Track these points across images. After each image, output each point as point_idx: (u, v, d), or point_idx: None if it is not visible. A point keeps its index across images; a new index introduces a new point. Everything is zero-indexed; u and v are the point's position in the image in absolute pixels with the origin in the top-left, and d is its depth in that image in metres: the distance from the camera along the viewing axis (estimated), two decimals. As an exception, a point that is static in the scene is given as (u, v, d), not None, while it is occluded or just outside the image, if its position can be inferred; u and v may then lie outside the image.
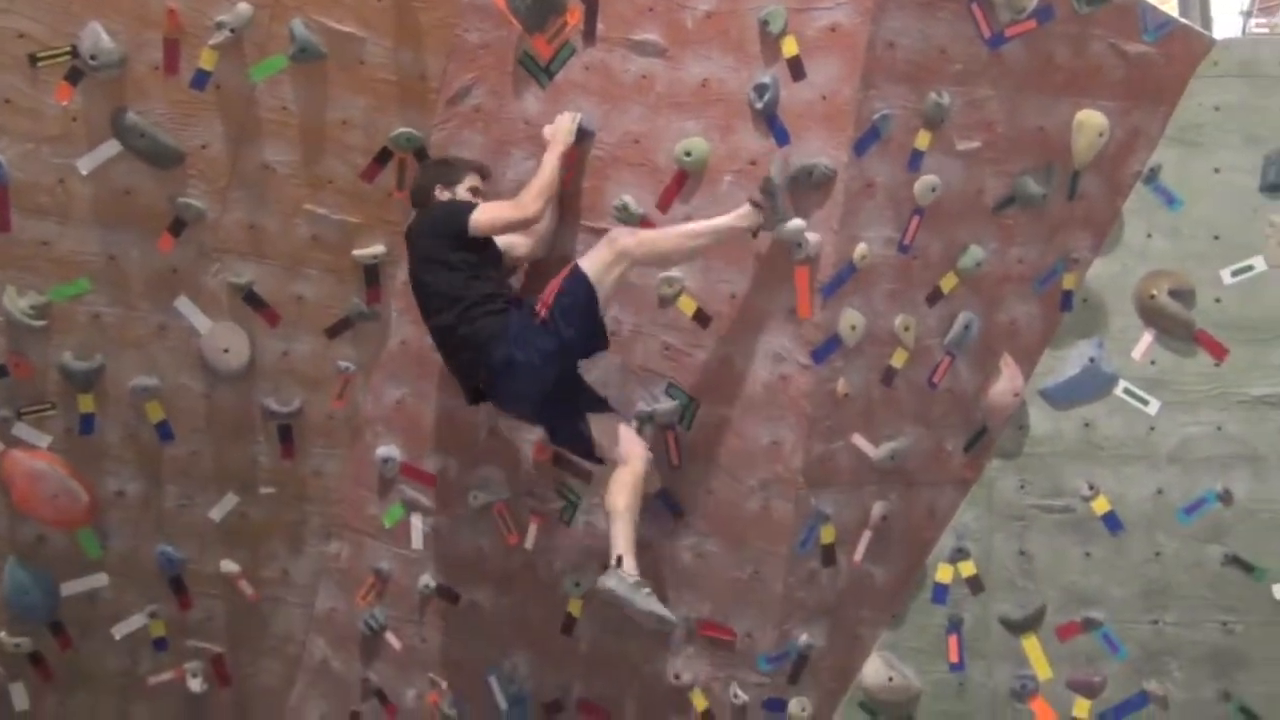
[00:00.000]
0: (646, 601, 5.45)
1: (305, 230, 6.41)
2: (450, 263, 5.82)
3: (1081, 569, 6.43)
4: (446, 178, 6.06)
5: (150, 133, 6.10)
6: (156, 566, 6.66)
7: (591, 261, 5.64)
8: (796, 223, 5.64)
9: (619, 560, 5.51)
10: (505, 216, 5.86)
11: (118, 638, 6.70)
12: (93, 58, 5.90)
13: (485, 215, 5.84)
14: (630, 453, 5.77)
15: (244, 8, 6.00)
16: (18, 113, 5.97)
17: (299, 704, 7.16)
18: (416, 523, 6.81)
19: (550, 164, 5.91)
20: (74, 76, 5.97)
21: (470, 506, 6.60)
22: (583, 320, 5.65)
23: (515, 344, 5.62)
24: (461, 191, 6.00)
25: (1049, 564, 6.45)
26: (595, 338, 5.77)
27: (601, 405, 5.95)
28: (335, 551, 6.97)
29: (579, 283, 5.61)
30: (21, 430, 6.34)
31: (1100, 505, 6.41)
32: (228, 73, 6.14)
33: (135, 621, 6.71)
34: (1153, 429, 6.42)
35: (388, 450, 6.77)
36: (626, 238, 5.66)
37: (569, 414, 5.88)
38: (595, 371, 6.24)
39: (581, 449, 5.94)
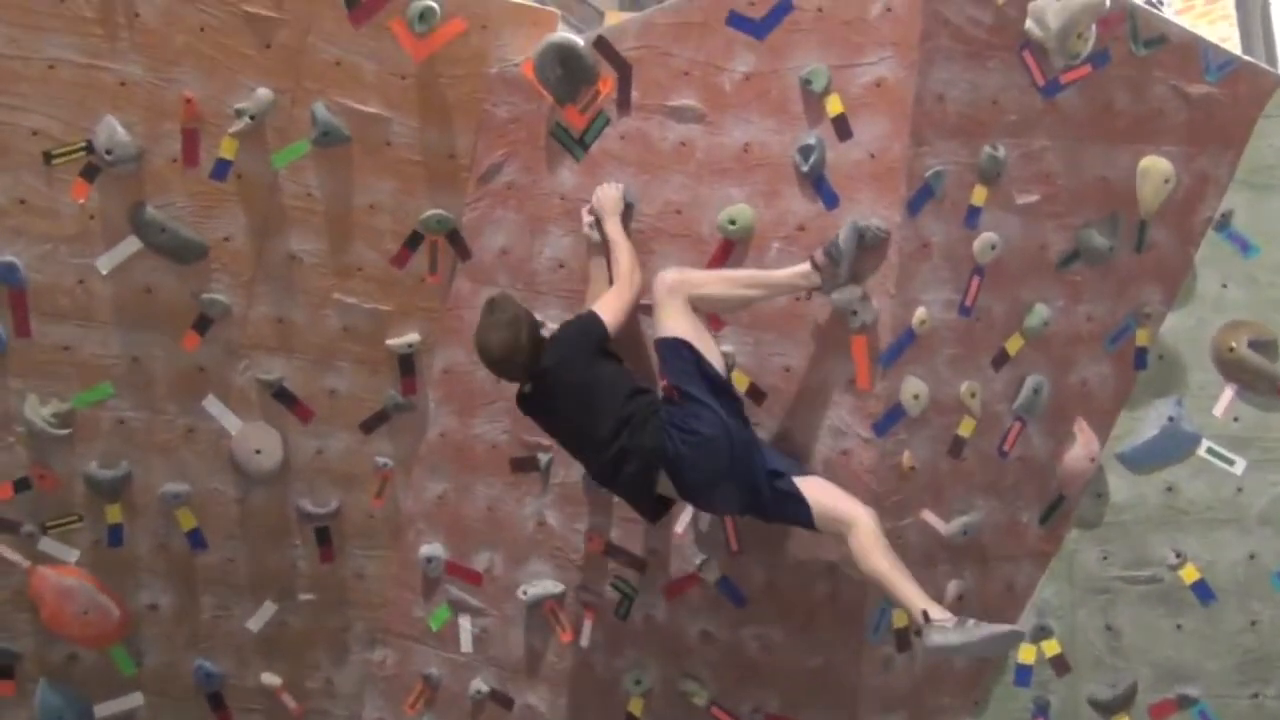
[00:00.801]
0: (982, 631, 5.16)
1: (335, 321, 6.35)
2: (604, 381, 5.69)
3: (1173, 643, 6.25)
4: (533, 320, 5.88)
5: (171, 227, 6.05)
6: (194, 682, 6.55)
7: (665, 322, 5.52)
8: (851, 289, 5.50)
9: (925, 615, 5.21)
10: (626, 301, 5.80)
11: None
12: (109, 152, 5.86)
13: (611, 313, 5.74)
14: (853, 511, 5.47)
15: (264, 93, 5.99)
16: (34, 213, 5.94)
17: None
18: (465, 624, 6.71)
19: (618, 235, 5.88)
20: (90, 173, 5.94)
21: (520, 604, 6.48)
22: (703, 377, 5.48)
23: (675, 436, 5.43)
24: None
25: (1138, 639, 6.28)
26: (727, 391, 5.60)
27: (798, 465, 5.71)
28: (380, 658, 6.86)
29: (670, 348, 5.51)
30: (48, 545, 6.25)
31: (1189, 574, 6.23)
32: (249, 161, 6.10)
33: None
34: (1240, 490, 6.25)
35: (431, 549, 6.68)
36: (672, 274, 5.55)
37: (765, 481, 5.55)
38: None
39: (796, 514, 5.57)
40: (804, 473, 5.59)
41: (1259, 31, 11.09)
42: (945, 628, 5.11)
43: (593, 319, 5.69)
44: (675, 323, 5.46)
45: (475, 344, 5.79)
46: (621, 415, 5.57)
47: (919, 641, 5.25)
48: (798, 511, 5.45)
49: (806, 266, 5.48)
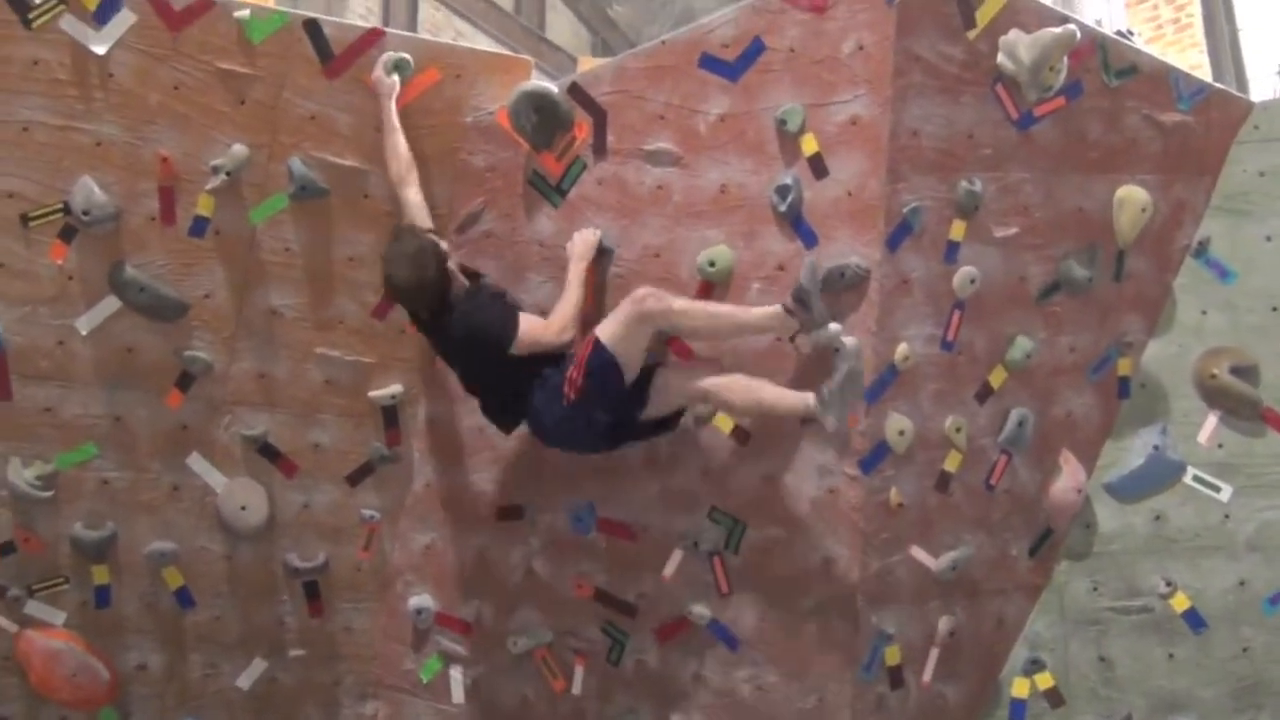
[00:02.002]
0: (838, 376, 5.33)
1: (318, 374, 6.36)
2: (498, 372, 5.83)
3: (1166, 672, 6.22)
4: (440, 252, 5.87)
5: (150, 286, 6.07)
6: None
7: (612, 327, 5.51)
8: (833, 327, 5.49)
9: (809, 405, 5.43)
10: (544, 341, 5.79)
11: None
12: (85, 213, 5.90)
13: (527, 338, 5.77)
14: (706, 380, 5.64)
15: (239, 149, 6.03)
16: (12, 276, 5.96)
17: None
18: (456, 675, 6.67)
19: (577, 281, 5.90)
20: (68, 234, 5.98)
21: (510, 653, 6.46)
22: (616, 401, 5.57)
23: (550, 420, 5.71)
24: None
25: (1131, 669, 6.25)
26: (637, 409, 5.65)
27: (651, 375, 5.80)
28: (372, 712, 6.82)
29: (602, 362, 5.52)
30: (35, 608, 6.24)
31: (1180, 602, 6.21)
32: (227, 217, 6.13)
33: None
34: (1227, 517, 6.23)
35: (420, 600, 6.66)
36: (652, 302, 5.51)
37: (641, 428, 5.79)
38: (633, 500, 6.17)
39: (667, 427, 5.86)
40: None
41: (1229, 58, 11.16)
42: (823, 403, 5.33)
43: (508, 330, 5.73)
44: (626, 345, 5.49)
45: (383, 274, 5.81)
46: (500, 387, 5.80)
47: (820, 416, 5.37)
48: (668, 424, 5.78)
49: (777, 308, 5.52)
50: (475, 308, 5.81)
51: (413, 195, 5.93)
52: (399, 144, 5.97)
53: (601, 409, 5.55)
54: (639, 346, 5.52)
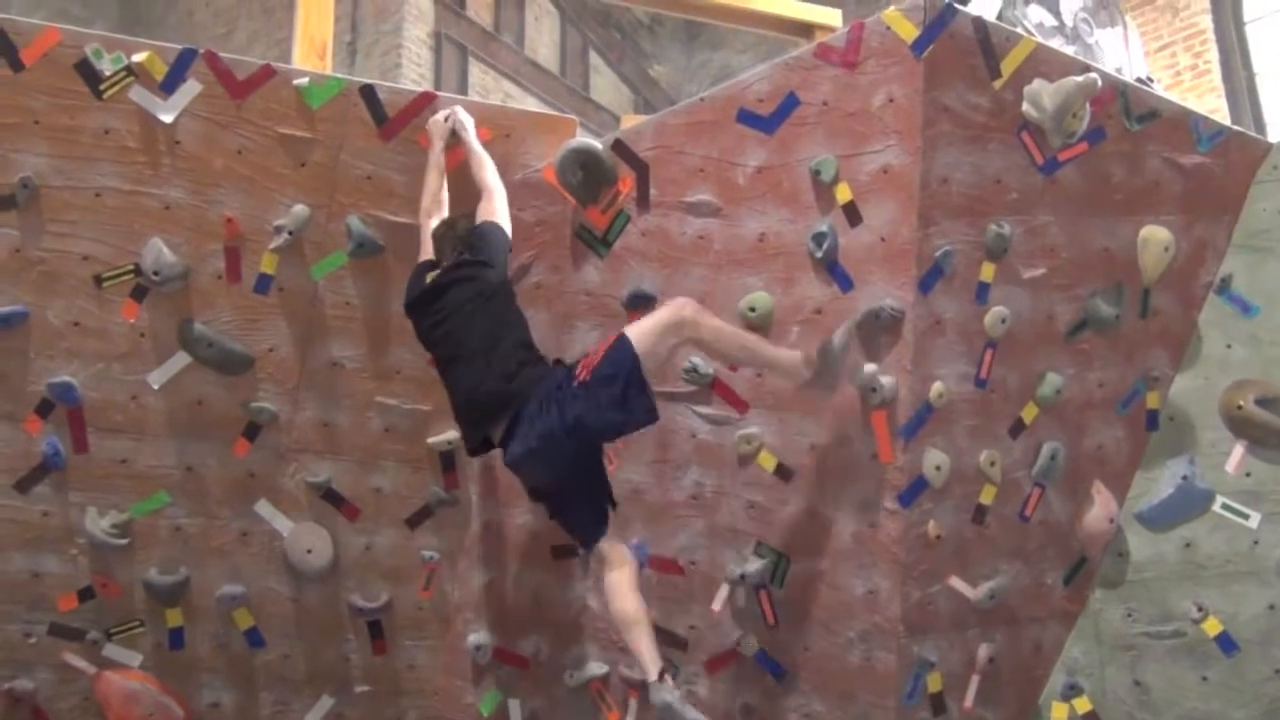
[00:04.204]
0: (694, 714, 5.18)
1: (378, 422, 6.43)
2: (486, 310, 5.64)
3: (1200, 695, 6.16)
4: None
5: (218, 341, 6.14)
6: None
7: (643, 330, 5.32)
8: (869, 368, 5.56)
9: (661, 675, 5.21)
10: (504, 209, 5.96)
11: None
12: (155, 273, 5.97)
13: (506, 221, 5.90)
14: (619, 554, 5.53)
15: (300, 209, 6.10)
16: (87, 334, 6.02)
17: None
18: (515, 708, 6.68)
19: (478, 146, 6.12)
20: (139, 294, 6.05)
21: (567, 686, 6.49)
22: (624, 391, 5.25)
23: (546, 404, 5.30)
24: None
25: (1166, 693, 6.20)
26: (636, 411, 5.36)
27: (608, 501, 5.68)
28: None
29: (624, 353, 5.23)
30: (112, 651, 6.28)
31: (1212, 627, 6.15)
32: (289, 274, 6.21)
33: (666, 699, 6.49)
34: (1256, 543, 6.17)
35: (478, 637, 6.66)
36: (690, 310, 5.35)
37: (582, 496, 5.61)
38: (681, 536, 6.18)
39: (580, 532, 5.67)
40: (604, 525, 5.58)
41: (1246, 102, 11.14)
42: (675, 692, 5.20)
43: (490, 235, 5.79)
44: (652, 340, 5.27)
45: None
46: (508, 357, 5.50)
47: (655, 693, 5.20)
48: (585, 530, 5.57)
49: (799, 356, 5.50)
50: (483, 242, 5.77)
51: (427, 230, 5.94)
52: (433, 181, 6.04)
53: (607, 396, 5.21)
54: (664, 351, 5.40)
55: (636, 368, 5.20)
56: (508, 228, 5.85)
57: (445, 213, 5.98)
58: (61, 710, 6.20)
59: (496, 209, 5.88)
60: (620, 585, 5.43)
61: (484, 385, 5.43)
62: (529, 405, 5.28)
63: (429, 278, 5.77)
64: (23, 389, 5.97)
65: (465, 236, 5.78)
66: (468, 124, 6.12)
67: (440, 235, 5.85)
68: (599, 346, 5.38)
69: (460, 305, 5.58)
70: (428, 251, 5.91)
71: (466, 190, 6.05)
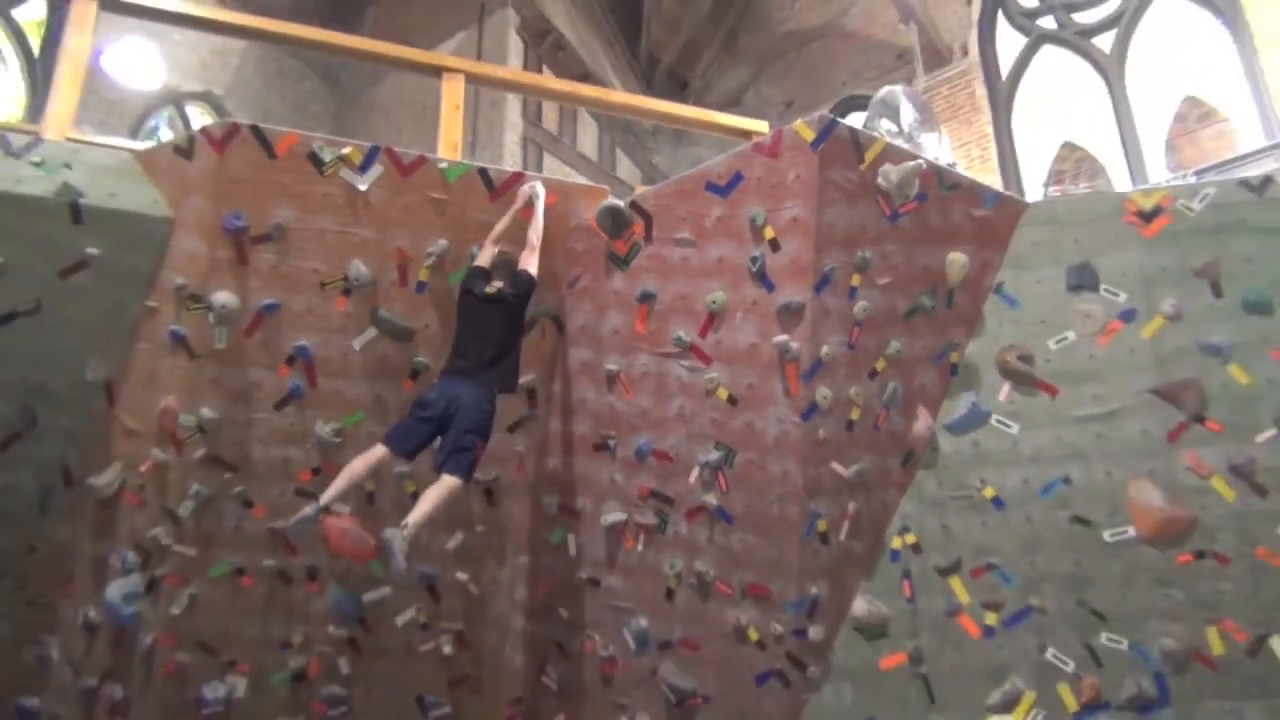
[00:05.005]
0: (401, 550, 5.12)
1: None
2: (512, 325, 5.76)
3: (980, 533, 6.26)
4: (512, 259, 5.95)
5: (394, 320, 6.17)
6: (416, 580, 6.58)
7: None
8: (781, 338, 5.60)
9: (405, 526, 5.17)
10: (531, 267, 5.88)
11: (399, 625, 6.62)
12: (356, 280, 6.02)
13: (531, 269, 5.84)
14: (445, 481, 5.42)
15: (442, 243, 6.11)
16: (315, 316, 6.08)
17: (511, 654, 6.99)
18: (571, 540, 6.65)
19: (541, 215, 6.01)
20: (346, 292, 6.09)
21: (602, 526, 6.51)
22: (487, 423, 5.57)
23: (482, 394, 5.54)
24: None
25: (960, 532, 6.28)
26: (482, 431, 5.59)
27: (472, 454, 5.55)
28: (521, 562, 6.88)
29: (489, 415, 5.63)
30: (338, 505, 6.12)
31: (989, 492, 6.26)
32: (436, 281, 6.20)
33: (407, 615, 6.63)
34: (1016, 443, 6.28)
35: (550, 499, 6.69)
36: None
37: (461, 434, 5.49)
38: (671, 438, 6.16)
39: (449, 450, 5.48)
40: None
41: (1013, 175, 11.26)
42: (404, 538, 5.14)
43: (529, 278, 5.78)
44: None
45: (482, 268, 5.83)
46: (498, 355, 5.63)
47: (389, 531, 5.16)
48: (451, 451, 5.40)
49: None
50: (517, 286, 5.79)
51: (490, 249, 5.90)
52: (507, 221, 5.98)
53: (483, 419, 5.48)
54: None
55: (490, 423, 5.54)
56: (534, 274, 5.86)
57: (501, 244, 5.96)
58: (303, 537, 6.16)
59: (533, 262, 5.88)
60: (444, 485, 5.41)
61: (473, 356, 5.62)
62: (473, 388, 5.53)
63: (489, 288, 5.76)
64: (278, 350, 6.06)
65: (509, 270, 5.85)
66: (540, 195, 6.09)
67: (497, 261, 5.87)
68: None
69: (500, 316, 5.73)
70: (484, 260, 5.88)
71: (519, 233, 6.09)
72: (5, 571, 6.28)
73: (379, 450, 5.48)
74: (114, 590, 6.13)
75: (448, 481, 5.39)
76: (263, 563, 6.32)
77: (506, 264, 5.90)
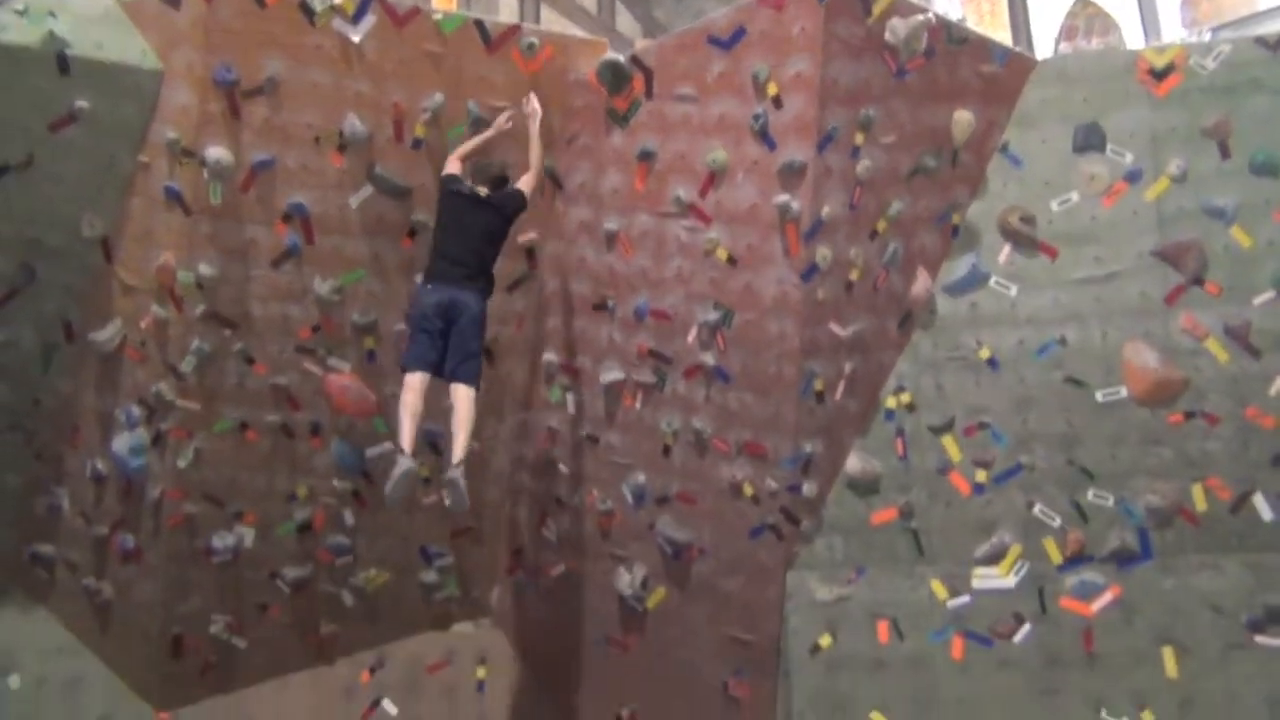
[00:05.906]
0: (464, 486, 5.19)
1: None
2: (499, 233, 5.69)
3: (974, 393, 6.34)
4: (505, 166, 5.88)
5: (390, 178, 6.11)
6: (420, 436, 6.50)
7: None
8: (782, 197, 5.54)
9: (458, 464, 5.20)
10: (531, 190, 5.85)
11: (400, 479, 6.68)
12: (351, 135, 5.93)
13: (528, 194, 5.79)
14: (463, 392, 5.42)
15: (438, 97, 6.02)
16: (310, 173, 6.03)
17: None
18: (570, 399, 6.74)
19: (538, 134, 5.95)
20: (341, 148, 5.99)
21: (601, 384, 6.52)
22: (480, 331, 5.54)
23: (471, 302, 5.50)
24: None
25: (955, 391, 6.36)
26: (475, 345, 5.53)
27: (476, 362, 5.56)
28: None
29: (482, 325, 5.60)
30: (333, 362, 6.42)
31: (984, 353, 6.31)
32: (433, 138, 6.12)
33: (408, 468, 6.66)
34: (1014, 304, 6.30)
35: (550, 356, 6.74)
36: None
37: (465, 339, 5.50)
38: (669, 297, 6.17)
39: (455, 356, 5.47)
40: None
41: (1024, 32, 10.91)
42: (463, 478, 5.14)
43: (522, 198, 5.72)
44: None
45: (476, 166, 5.77)
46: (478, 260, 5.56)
47: (452, 473, 5.17)
48: (456, 357, 5.40)
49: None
50: (508, 197, 5.72)
51: (456, 161, 5.79)
52: (472, 143, 5.89)
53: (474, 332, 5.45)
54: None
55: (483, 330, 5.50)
56: (528, 196, 5.77)
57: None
58: (305, 394, 6.39)
59: (531, 184, 5.81)
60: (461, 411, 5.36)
61: (461, 261, 5.51)
62: (466, 295, 5.45)
63: (480, 191, 5.64)
64: (273, 206, 6.00)
65: (497, 181, 5.72)
66: (538, 113, 5.94)
67: (479, 167, 5.76)
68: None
69: (489, 220, 5.62)
70: (452, 168, 5.74)
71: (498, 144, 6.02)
72: (13, 425, 6.40)
73: (414, 378, 5.35)
74: (120, 443, 6.28)
75: (466, 394, 5.36)
76: (266, 418, 6.41)
77: (488, 170, 5.76)
